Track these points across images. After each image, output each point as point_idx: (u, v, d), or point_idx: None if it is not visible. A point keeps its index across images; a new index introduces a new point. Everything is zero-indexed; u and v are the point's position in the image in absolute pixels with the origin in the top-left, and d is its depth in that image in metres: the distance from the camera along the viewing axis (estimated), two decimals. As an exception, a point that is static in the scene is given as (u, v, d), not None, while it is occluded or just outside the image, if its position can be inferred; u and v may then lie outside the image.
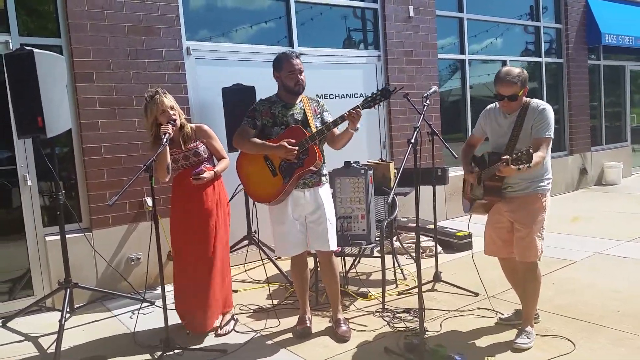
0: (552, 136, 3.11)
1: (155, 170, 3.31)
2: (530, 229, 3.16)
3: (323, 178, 3.54)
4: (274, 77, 3.53)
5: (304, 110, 3.49)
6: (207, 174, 3.58)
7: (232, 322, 3.85)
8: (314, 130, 3.39)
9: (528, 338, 3.21)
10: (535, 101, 3.19)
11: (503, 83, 3.09)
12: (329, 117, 3.56)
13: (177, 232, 3.69)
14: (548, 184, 3.23)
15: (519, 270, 3.31)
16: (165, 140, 3.30)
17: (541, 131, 3.09)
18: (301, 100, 3.53)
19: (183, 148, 3.60)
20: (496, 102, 3.29)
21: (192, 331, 3.70)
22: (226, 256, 3.81)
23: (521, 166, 2.79)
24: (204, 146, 3.68)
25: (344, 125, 3.39)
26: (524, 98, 3.19)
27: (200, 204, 3.62)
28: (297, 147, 3.29)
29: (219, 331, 3.73)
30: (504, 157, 2.87)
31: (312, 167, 3.36)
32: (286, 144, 3.28)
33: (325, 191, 3.55)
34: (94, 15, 4.58)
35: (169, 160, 3.48)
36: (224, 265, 3.76)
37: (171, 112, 3.51)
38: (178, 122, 3.56)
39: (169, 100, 3.53)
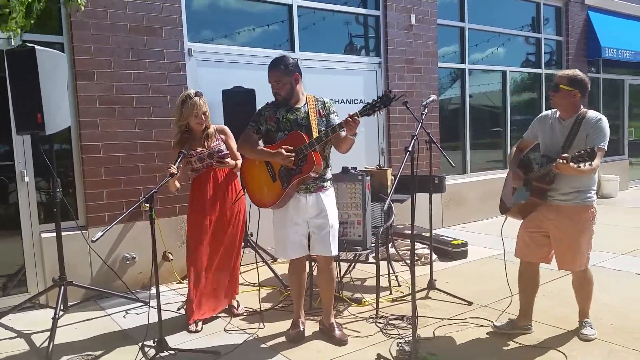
0: (606, 147, 3.17)
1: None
2: (578, 240, 3.26)
3: (326, 183, 3.51)
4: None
5: (309, 113, 3.42)
6: (230, 160, 3.81)
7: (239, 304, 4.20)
8: (315, 135, 3.33)
9: (592, 328, 3.45)
10: (591, 112, 3.25)
11: (559, 74, 3.27)
12: (336, 120, 3.48)
13: (195, 233, 3.89)
14: (594, 194, 3.31)
15: (573, 279, 3.47)
16: (168, 176, 3.43)
17: (597, 141, 3.13)
18: (306, 103, 3.47)
19: (207, 146, 3.82)
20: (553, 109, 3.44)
21: (199, 317, 3.85)
22: (238, 254, 4.10)
23: (582, 165, 2.83)
24: (224, 144, 3.91)
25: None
26: (582, 108, 3.26)
27: (222, 211, 3.90)
28: (294, 154, 3.27)
29: (235, 311, 4.10)
30: (563, 155, 2.93)
31: (310, 174, 3.31)
32: (283, 151, 3.26)
33: (328, 196, 3.51)
34: (97, 14, 4.59)
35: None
36: (236, 264, 4.10)
37: (204, 117, 3.78)
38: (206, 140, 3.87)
39: (205, 105, 3.78)
